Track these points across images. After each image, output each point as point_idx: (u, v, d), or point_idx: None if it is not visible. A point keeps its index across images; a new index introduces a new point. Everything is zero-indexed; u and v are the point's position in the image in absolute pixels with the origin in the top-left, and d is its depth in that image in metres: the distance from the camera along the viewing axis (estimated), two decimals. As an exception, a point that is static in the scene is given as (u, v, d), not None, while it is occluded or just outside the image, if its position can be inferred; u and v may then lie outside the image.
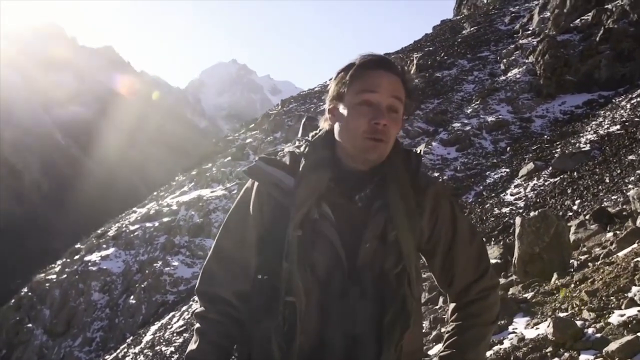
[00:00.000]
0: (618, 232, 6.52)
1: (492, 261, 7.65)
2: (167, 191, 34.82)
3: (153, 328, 20.26)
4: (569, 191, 11.69)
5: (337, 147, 1.66)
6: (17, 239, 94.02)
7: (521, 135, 18.16)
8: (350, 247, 1.60)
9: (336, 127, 1.66)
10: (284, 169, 1.66)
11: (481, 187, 15.15)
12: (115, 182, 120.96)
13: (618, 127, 14.32)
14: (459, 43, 29.92)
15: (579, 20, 21.51)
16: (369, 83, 1.60)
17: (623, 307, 4.01)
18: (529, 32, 26.05)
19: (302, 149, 1.70)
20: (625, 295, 4.15)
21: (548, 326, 3.96)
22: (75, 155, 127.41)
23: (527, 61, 22.61)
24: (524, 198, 12.95)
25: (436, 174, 16.87)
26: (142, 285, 24.24)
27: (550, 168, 13.63)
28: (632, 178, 10.47)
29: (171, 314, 20.16)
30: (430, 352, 4.84)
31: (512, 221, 10.39)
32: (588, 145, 13.95)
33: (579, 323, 3.94)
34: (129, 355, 19.06)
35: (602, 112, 16.30)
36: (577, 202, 10.89)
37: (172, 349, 16.59)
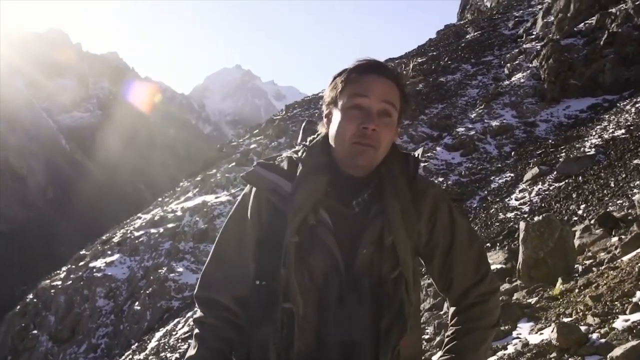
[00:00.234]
0: (623, 236, 6.49)
1: (497, 266, 7.64)
2: (171, 197, 34.86)
3: (158, 334, 20.25)
4: (574, 196, 11.66)
5: (333, 152, 1.66)
6: (21, 244, 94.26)
7: (526, 139, 18.12)
8: (347, 252, 1.60)
9: (330, 131, 1.66)
10: (282, 174, 1.66)
11: (486, 192, 15.11)
12: (120, 188, 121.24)
13: (623, 131, 14.27)
14: (462, 48, 29.91)
15: (583, 24, 21.48)
16: (360, 87, 1.60)
17: (627, 312, 3.99)
18: (533, 36, 26.02)
19: (299, 154, 1.70)
20: (630, 300, 4.14)
21: (552, 331, 3.95)
22: (79, 161, 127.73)
23: (531, 65, 22.59)
24: (528, 203, 12.91)
25: (440, 179, 16.85)
26: (147, 292, 24.24)
27: (555, 172, 13.60)
28: (638, 182, 10.43)
29: (176, 320, 20.15)
30: (434, 358, 4.82)
31: (517, 226, 10.35)
32: (593, 149, 13.91)
33: (583, 328, 3.93)
34: (134, 362, 19.08)
35: (606, 116, 16.26)
36: (582, 206, 10.85)
37: (177, 355, 16.57)
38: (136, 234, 29.16)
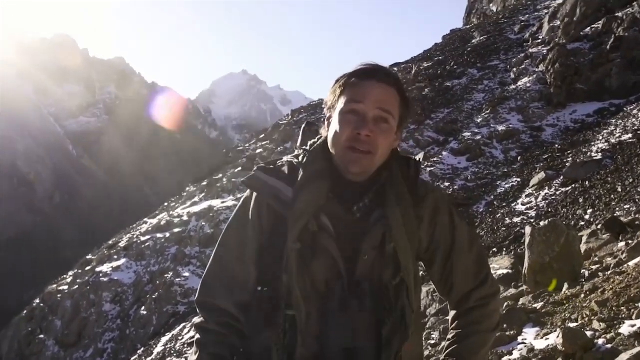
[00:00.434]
0: (630, 241, 6.47)
1: (503, 271, 7.61)
2: (178, 202, 34.89)
3: (164, 339, 20.26)
4: (580, 200, 11.61)
5: (333, 157, 1.66)
6: (29, 249, 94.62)
7: (532, 144, 18.08)
8: (349, 258, 1.59)
9: (328, 135, 1.66)
10: (283, 179, 1.65)
11: (492, 197, 15.07)
12: (126, 193, 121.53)
13: (630, 135, 14.22)
14: (468, 52, 29.89)
15: (589, 28, 21.44)
16: (357, 93, 1.60)
17: (634, 317, 3.97)
18: (539, 40, 25.98)
19: (300, 158, 1.69)
20: (636, 305, 4.12)
21: (558, 337, 3.93)
22: (86, 166, 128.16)
23: (537, 70, 22.55)
24: (535, 208, 12.87)
25: (447, 184, 16.83)
26: (153, 296, 24.25)
27: (562, 177, 13.55)
28: (645, 187, 10.38)
29: (182, 325, 20.15)
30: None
31: (523, 231, 10.32)
32: (600, 154, 13.86)
33: (589, 334, 3.91)
34: (140, 367, 19.10)
35: (613, 120, 16.21)
36: (589, 211, 10.81)
37: (183, 360, 16.59)
38: (142, 238, 29.19)
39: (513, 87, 22.65)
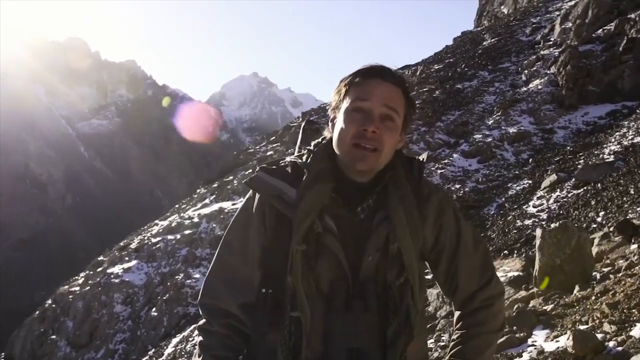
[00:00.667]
0: (642, 243, 6.42)
1: (514, 273, 7.58)
2: (188, 204, 34.98)
3: (175, 340, 20.31)
4: (592, 203, 11.53)
5: (337, 158, 1.66)
6: (41, 250, 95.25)
7: (543, 146, 17.98)
8: (353, 259, 1.59)
9: (333, 135, 1.66)
10: (286, 179, 1.65)
11: (503, 199, 14.99)
12: (137, 195, 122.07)
13: (642, 137, 14.12)
14: (479, 54, 29.79)
15: (601, 30, 21.30)
16: (362, 91, 1.60)
17: (645, 319, 3.94)
18: (551, 42, 25.85)
19: (304, 159, 1.69)
20: (648, 307, 4.08)
21: (568, 339, 3.91)
22: (97, 168, 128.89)
23: (548, 72, 22.43)
24: (546, 210, 12.79)
25: (457, 186, 16.77)
26: (164, 298, 24.32)
27: (574, 179, 13.46)
28: (657, 189, 10.30)
29: (192, 326, 20.18)
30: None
31: (534, 233, 10.26)
32: (612, 156, 13.75)
33: (599, 336, 3.88)
34: (151, 368, 19.16)
35: (625, 122, 16.09)
36: (601, 214, 10.72)
37: (194, 361, 16.58)
38: (153, 240, 29.30)
39: (524, 89, 22.55)
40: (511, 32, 31.79)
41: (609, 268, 6.17)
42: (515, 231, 12.27)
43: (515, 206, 13.94)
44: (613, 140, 15.04)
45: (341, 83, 1.67)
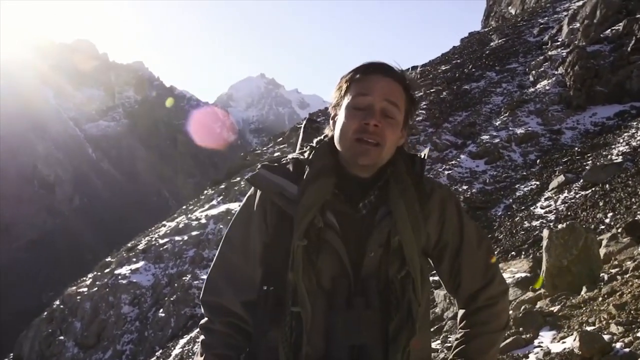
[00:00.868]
0: (650, 245, 6.38)
1: (522, 275, 7.55)
2: (195, 205, 35.05)
3: (182, 341, 20.35)
4: (600, 204, 11.47)
5: (339, 154, 1.66)
6: (49, 251, 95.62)
7: (551, 147, 17.91)
8: (355, 256, 1.59)
9: (335, 132, 1.66)
10: (288, 176, 1.65)
11: (511, 200, 14.94)
12: (145, 196, 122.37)
13: (651, 138, 14.05)
14: (487, 55, 29.73)
15: (609, 30, 21.20)
16: (363, 86, 1.60)
17: (653, 321, 3.92)
18: (558, 43, 25.75)
19: (306, 155, 1.69)
20: (656, 309, 4.06)
21: (574, 340, 3.89)
22: (105, 169, 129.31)
23: (556, 72, 22.35)
24: (554, 211, 12.73)
25: (465, 187, 16.73)
26: (171, 299, 24.37)
27: (582, 180, 13.40)
28: (666, 190, 10.24)
29: (200, 327, 20.22)
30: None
31: (542, 234, 10.21)
32: (620, 157, 13.69)
33: (606, 337, 3.86)
34: (158, 369, 19.20)
35: (634, 123, 16.01)
36: (609, 215, 10.67)
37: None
38: (161, 241, 29.36)
39: (532, 89, 22.48)
40: (519, 32, 31.70)
41: (616, 269, 6.13)
42: (523, 232, 12.22)
43: (523, 207, 13.89)
44: (621, 141, 14.97)
45: (342, 80, 1.67)
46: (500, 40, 31.74)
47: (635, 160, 13.06)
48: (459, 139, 21.06)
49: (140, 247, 30.31)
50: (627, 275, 5.32)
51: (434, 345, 6.45)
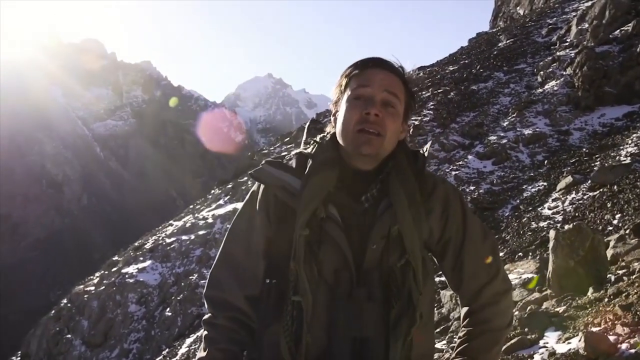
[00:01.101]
0: (658, 246, 6.35)
1: (529, 275, 7.52)
2: (203, 204, 35.14)
3: (188, 340, 20.40)
4: (608, 205, 11.41)
5: (341, 149, 1.67)
6: (57, 250, 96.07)
7: (559, 148, 17.84)
8: (357, 249, 1.59)
9: (336, 126, 1.67)
10: (291, 171, 1.67)
11: (518, 201, 14.90)
12: (152, 195, 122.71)
13: (660, 139, 13.98)
14: (495, 55, 29.64)
15: (618, 31, 21.10)
16: (362, 79, 1.63)
17: (659, 322, 3.90)
18: (567, 43, 25.65)
19: (309, 149, 1.71)
20: (662, 310, 4.04)
21: (580, 341, 3.87)
22: (113, 169, 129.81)
23: (564, 73, 22.26)
24: (562, 212, 12.68)
25: (472, 188, 16.69)
26: (178, 298, 24.45)
27: (590, 181, 13.34)
28: (674, 191, 10.18)
29: (206, 326, 20.25)
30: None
31: (549, 235, 10.17)
32: (629, 158, 13.62)
33: (612, 338, 3.84)
34: (165, 367, 19.24)
35: (643, 124, 15.94)
36: (617, 216, 10.61)
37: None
38: (168, 240, 29.45)
39: (540, 90, 22.40)
40: (527, 33, 31.60)
41: (623, 270, 6.11)
42: (530, 233, 12.18)
43: (530, 208, 13.85)
44: (630, 142, 14.89)
45: (341, 76, 1.69)
46: (508, 41, 31.65)
47: (643, 161, 12.99)
48: (467, 140, 21.01)
49: (148, 246, 30.41)
50: (634, 276, 5.29)
51: (439, 345, 6.44)
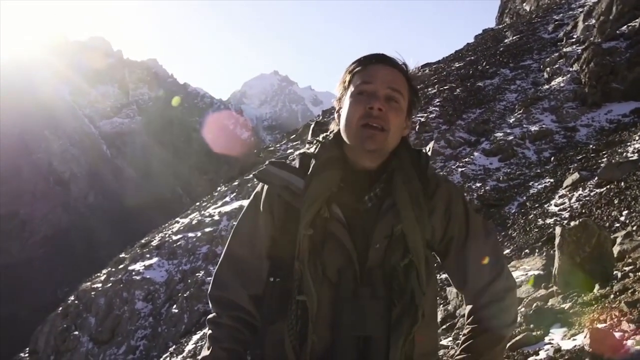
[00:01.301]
0: (665, 242, 6.33)
1: (535, 272, 7.50)
2: (209, 202, 35.18)
3: (195, 337, 20.45)
4: (615, 202, 11.36)
5: (345, 147, 1.68)
6: (64, 247, 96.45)
7: (566, 144, 17.77)
8: (361, 248, 1.60)
9: (340, 123, 1.68)
10: (294, 172, 1.67)
11: (524, 198, 14.85)
12: (159, 193, 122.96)
13: (667, 135, 13.91)
14: (501, 52, 29.54)
15: (625, 26, 20.98)
16: (365, 75, 1.63)
17: (665, 318, 3.89)
18: (574, 39, 25.54)
19: (312, 149, 1.71)
20: (668, 306, 4.03)
21: (585, 337, 3.87)
22: (119, 166, 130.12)
23: (571, 69, 22.16)
24: (568, 209, 12.64)
25: (478, 184, 16.66)
26: (185, 295, 24.52)
27: (596, 178, 13.27)
28: (682, 188, 10.14)
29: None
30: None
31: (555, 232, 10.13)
32: (636, 154, 13.55)
33: (617, 334, 3.83)
34: (171, 364, 19.30)
35: (651, 120, 15.87)
36: (624, 213, 10.57)
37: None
38: (174, 237, 29.51)
39: (546, 87, 22.31)
40: (533, 29, 31.47)
41: (630, 267, 6.09)
42: (537, 230, 12.14)
43: (537, 205, 13.81)
44: (637, 138, 14.82)
45: (344, 73, 1.69)
46: (514, 37, 31.53)
47: (651, 157, 12.93)
48: (473, 136, 20.97)
49: (154, 243, 30.49)
50: (640, 273, 5.29)
51: (445, 342, 6.45)
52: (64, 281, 78.91)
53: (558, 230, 6.19)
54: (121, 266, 29.72)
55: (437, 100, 25.00)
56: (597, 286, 5.49)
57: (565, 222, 11.64)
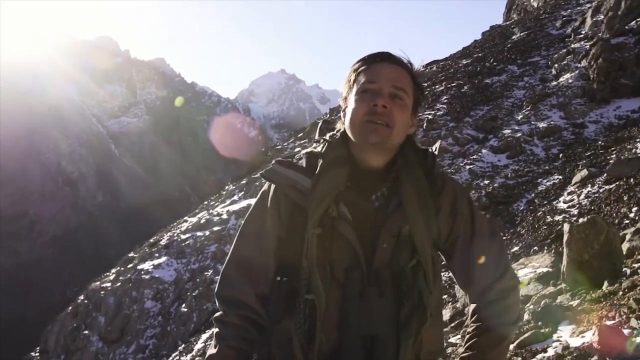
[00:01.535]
0: (674, 239, 6.29)
1: (543, 269, 7.50)
2: (217, 200, 35.24)
3: (204, 336, 20.50)
4: (625, 198, 11.31)
5: (351, 145, 1.68)
6: (73, 247, 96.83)
7: (574, 141, 17.69)
8: (368, 247, 1.61)
9: (345, 122, 1.69)
10: (301, 171, 1.68)
11: (533, 195, 14.80)
12: (167, 192, 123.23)
13: (676, 131, 13.82)
14: (508, 49, 29.44)
15: (634, 22, 20.86)
16: (369, 74, 1.64)
17: (674, 315, 3.88)
18: (582, 35, 25.42)
19: (319, 148, 1.72)
20: (677, 303, 4.01)
21: (594, 334, 3.86)
22: (127, 165, 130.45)
23: (579, 65, 22.07)
24: (577, 205, 12.58)
25: (486, 182, 16.62)
26: (194, 294, 24.58)
27: (605, 175, 13.22)
28: (691, 184, 10.08)
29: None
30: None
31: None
32: (645, 150, 13.50)
33: (626, 331, 3.82)
34: (181, 363, 19.35)
35: (660, 116, 15.78)
36: (633, 209, 10.52)
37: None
38: (183, 237, 29.57)
39: (554, 83, 22.22)
40: (541, 25, 31.34)
41: (639, 264, 6.07)
42: (545, 227, 12.10)
43: (545, 202, 13.76)
44: (646, 134, 14.76)
45: (349, 72, 1.70)
46: (522, 34, 31.41)
47: (660, 153, 12.86)
48: (481, 133, 20.91)
49: (163, 242, 30.56)
50: (649, 270, 5.27)
51: (454, 339, 6.44)
52: (72, 281, 79.33)
53: (566, 227, 6.17)
54: (130, 265, 29.81)
55: (445, 97, 24.95)
56: (605, 283, 5.47)
57: (574, 219, 11.58)
